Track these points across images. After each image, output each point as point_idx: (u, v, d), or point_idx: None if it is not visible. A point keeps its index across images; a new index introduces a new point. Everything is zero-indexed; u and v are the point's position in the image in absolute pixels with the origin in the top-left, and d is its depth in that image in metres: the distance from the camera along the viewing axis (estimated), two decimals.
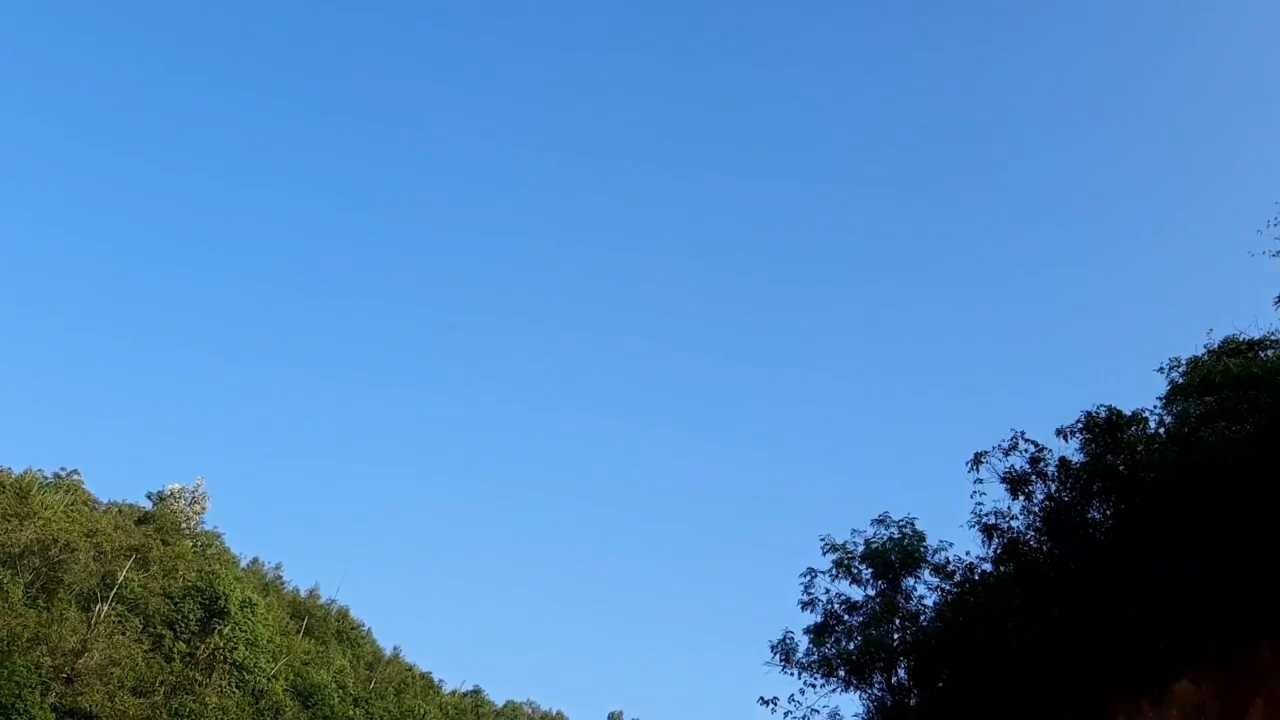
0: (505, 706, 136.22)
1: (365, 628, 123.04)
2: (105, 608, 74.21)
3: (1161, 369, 36.45)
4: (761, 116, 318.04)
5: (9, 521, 73.61)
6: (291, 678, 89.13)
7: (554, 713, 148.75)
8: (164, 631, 79.86)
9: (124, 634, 74.83)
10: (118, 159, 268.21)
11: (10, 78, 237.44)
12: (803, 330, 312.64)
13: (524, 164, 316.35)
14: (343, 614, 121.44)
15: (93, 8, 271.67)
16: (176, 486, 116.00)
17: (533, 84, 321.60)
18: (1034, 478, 35.11)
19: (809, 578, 40.04)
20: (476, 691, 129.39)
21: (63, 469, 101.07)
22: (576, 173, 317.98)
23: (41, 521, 76.12)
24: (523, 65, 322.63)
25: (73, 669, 68.38)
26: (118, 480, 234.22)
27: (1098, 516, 33.71)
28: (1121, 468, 32.56)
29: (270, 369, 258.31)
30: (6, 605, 66.44)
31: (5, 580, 68.22)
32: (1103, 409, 34.19)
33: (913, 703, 37.06)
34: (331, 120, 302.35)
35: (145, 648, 76.63)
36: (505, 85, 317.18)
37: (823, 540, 40.17)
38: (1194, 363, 35.25)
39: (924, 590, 38.80)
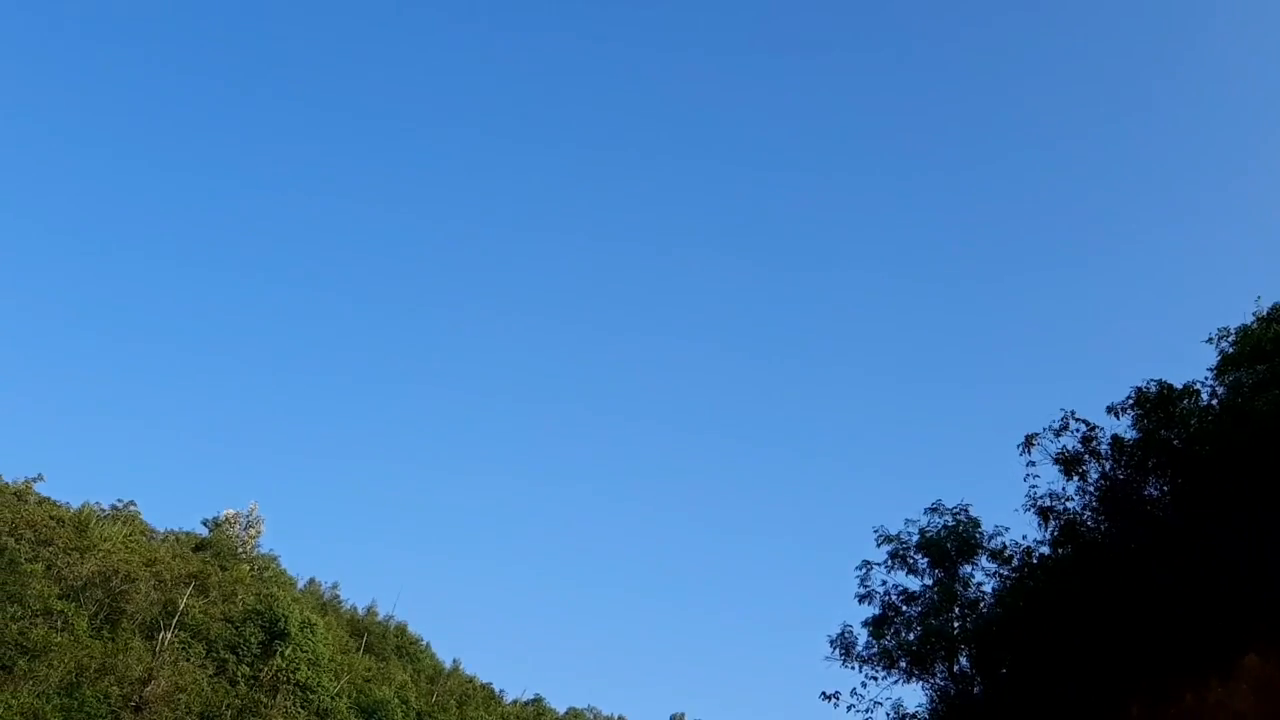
0: (567, 714, 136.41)
1: (424, 642, 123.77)
2: (168, 635, 75.17)
3: (1210, 339, 35.78)
4: (796, 110, 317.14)
5: (70, 555, 74.83)
6: (354, 695, 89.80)
7: (615, 717, 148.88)
8: (227, 656, 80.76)
9: (188, 660, 75.78)
10: (163, 174, 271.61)
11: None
12: (845, 326, 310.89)
13: (553, 165, 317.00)
14: (401, 629, 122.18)
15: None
16: (231, 512, 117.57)
17: (545, 78, 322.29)
18: (1087, 457, 34.65)
19: (865, 570, 39.71)
20: (538, 700, 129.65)
21: (119, 500, 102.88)
22: (612, 172, 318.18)
23: (102, 553, 77.36)
24: (525, 61, 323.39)
25: (140, 697, 69.32)
26: (173, 509, 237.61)
27: (1155, 493, 33.24)
28: (1176, 442, 32.08)
29: (313, 387, 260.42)
30: (73, 638, 67.49)
31: (70, 613, 69.31)
32: (1153, 384, 33.70)
33: (976, 691, 36.70)
34: (360, 124, 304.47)
35: (210, 673, 77.55)
36: (517, 80, 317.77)
37: (876, 531, 39.84)
38: (1243, 331, 34.59)
39: (982, 577, 38.38)
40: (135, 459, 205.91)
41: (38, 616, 66.28)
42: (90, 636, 70.00)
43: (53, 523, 79.05)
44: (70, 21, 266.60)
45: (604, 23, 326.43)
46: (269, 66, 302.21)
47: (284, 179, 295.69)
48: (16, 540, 71.58)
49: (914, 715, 38.08)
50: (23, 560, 69.33)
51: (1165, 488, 32.77)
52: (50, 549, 74.25)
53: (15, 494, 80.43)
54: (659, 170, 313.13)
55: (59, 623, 67.72)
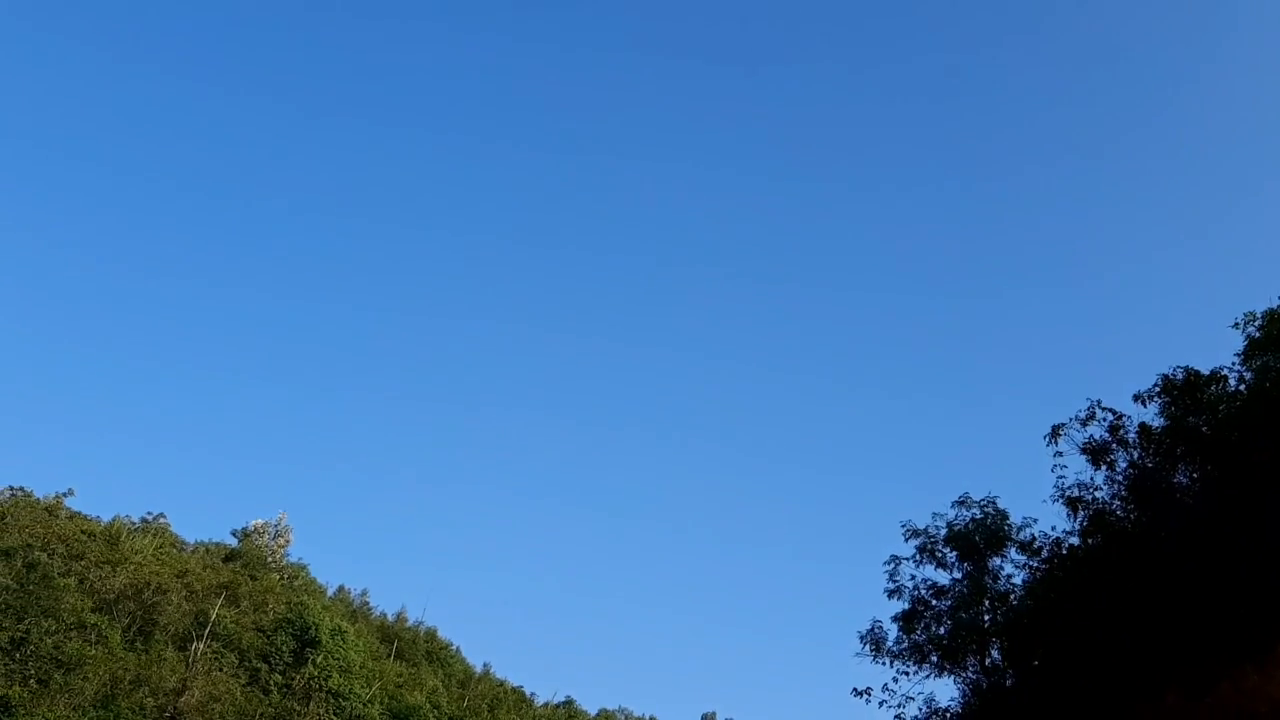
0: (598, 715, 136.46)
1: (454, 647, 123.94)
2: (201, 645, 75.65)
3: (1237, 324, 35.40)
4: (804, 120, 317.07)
5: (102, 568, 75.40)
6: (386, 701, 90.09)
7: (647, 717, 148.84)
8: (259, 665, 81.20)
9: (221, 670, 76.24)
10: (186, 188, 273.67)
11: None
12: (865, 323, 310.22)
13: (559, 172, 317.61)
14: (431, 634, 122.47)
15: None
16: (259, 522, 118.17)
17: (545, 80, 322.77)
18: (1115, 446, 34.50)
19: (893, 565, 39.65)
20: (569, 702, 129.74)
21: (149, 513, 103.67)
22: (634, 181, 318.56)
23: (133, 566, 77.93)
24: (527, 65, 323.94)
25: (175, 708, 69.79)
26: (202, 520, 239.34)
27: (1184, 481, 33.03)
28: (1204, 429, 31.88)
29: (337, 397, 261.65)
30: (107, 650, 67.99)
31: (104, 625, 69.82)
32: (1180, 370, 33.52)
33: (1009, 683, 36.56)
34: (366, 131, 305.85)
35: (243, 682, 77.99)
36: (517, 85, 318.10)
37: (904, 526, 39.78)
38: (1270, 315, 34.25)
39: (1011, 569, 38.27)
40: (163, 472, 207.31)
41: (72, 630, 66.79)
42: (124, 649, 70.50)
43: (84, 537, 79.68)
44: (59, 22, 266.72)
45: (608, 30, 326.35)
46: (270, 69, 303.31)
47: (305, 191, 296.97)
48: (49, 555, 72.17)
49: (946, 709, 37.99)
50: (55, 575, 69.87)
51: (1194, 475, 32.56)
52: (82, 563, 74.85)
53: (46, 509, 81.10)
54: (667, 179, 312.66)
55: (93, 636, 68.24)
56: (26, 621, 64.21)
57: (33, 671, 62.76)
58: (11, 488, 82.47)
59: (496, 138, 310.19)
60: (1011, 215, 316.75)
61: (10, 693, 60.33)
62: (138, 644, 72.92)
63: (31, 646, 63.19)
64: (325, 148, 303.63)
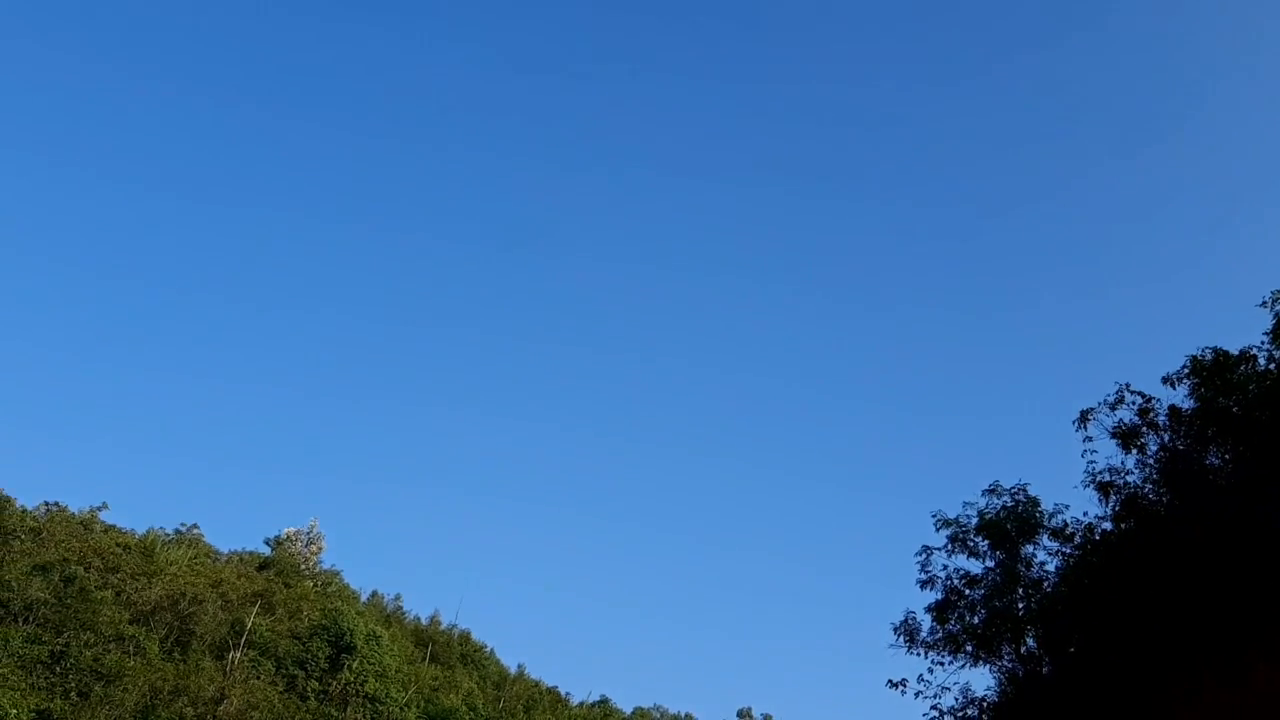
0: (633, 713, 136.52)
1: (488, 649, 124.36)
2: (238, 654, 76.23)
3: (1264, 303, 34.96)
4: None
5: (138, 580, 76.12)
6: (422, 704, 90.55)
7: (682, 715, 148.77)
8: (296, 671, 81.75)
9: (258, 678, 76.80)
10: (212, 202, 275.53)
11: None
12: (888, 311, 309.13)
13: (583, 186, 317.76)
14: (465, 637, 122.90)
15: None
16: (292, 530, 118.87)
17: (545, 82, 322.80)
18: (1145, 429, 34.22)
19: (925, 556, 39.48)
20: (604, 701, 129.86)
21: (183, 524, 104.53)
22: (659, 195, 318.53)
23: (169, 577, 78.65)
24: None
25: (214, 717, 70.38)
26: (236, 529, 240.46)
27: (1216, 462, 32.71)
28: (1235, 409, 31.57)
29: (359, 404, 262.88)
30: (145, 661, 68.63)
31: (141, 637, 70.49)
32: (1208, 351, 33.19)
33: (1045, 671, 36.34)
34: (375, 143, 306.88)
35: (280, 689, 78.53)
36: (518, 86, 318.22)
37: (935, 516, 39.59)
38: None
39: (1044, 556, 38.02)
40: (196, 483, 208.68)
41: (110, 642, 67.48)
42: (162, 659, 71.14)
43: (119, 549, 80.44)
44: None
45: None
46: (270, 73, 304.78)
47: (327, 198, 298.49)
48: (85, 569, 72.91)
49: (983, 699, 37.83)
50: (93, 588, 70.62)
51: (1226, 456, 32.25)
52: (118, 575, 75.56)
53: (82, 523, 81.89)
54: (683, 188, 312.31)
55: (131, 647, 68.91)
56: (66, 635, 64.94)
57: (73, 684, 63.46)
58: (47, 503, 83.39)
59: (516, 152, 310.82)
60: (1034, 202, 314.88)
61: (52, 705, 61.03)
62: (175, 654, 73.58)
63: (71, 659, 63.90)
64: (342, 157, 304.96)
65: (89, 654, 64.72)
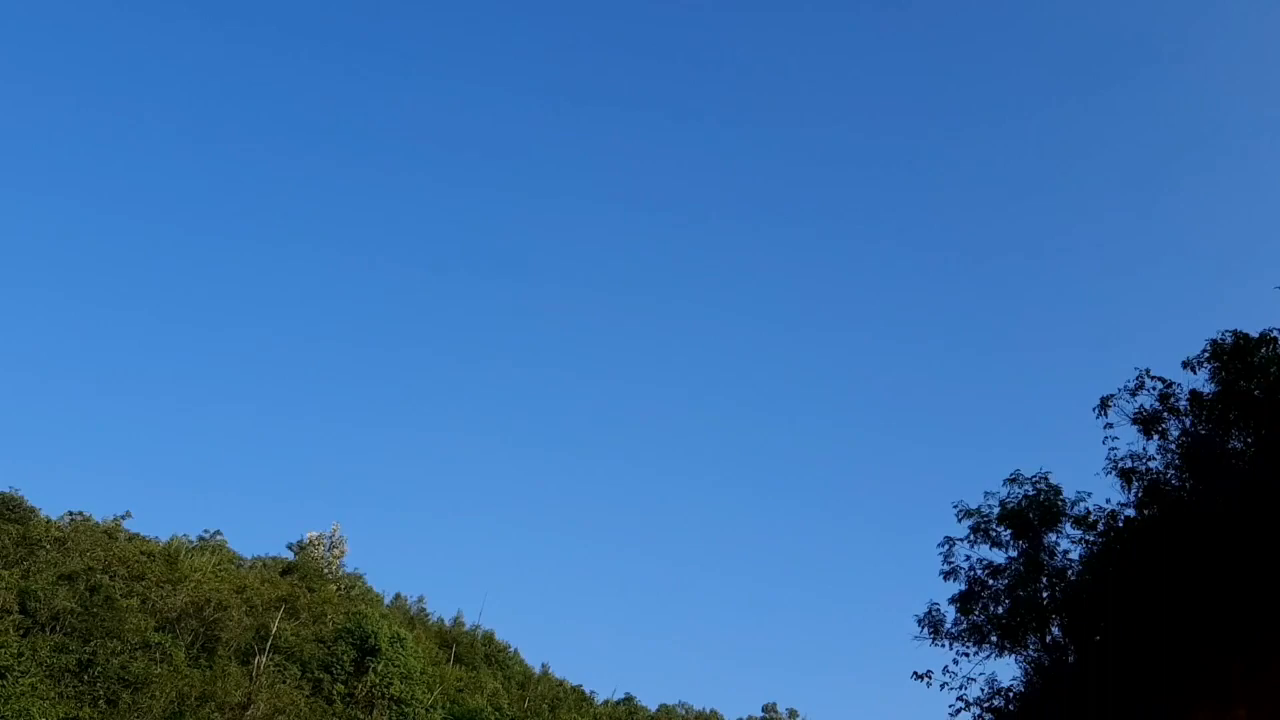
0: (659, 711, 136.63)
1: (512, 649, 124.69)
2: (263, 659, 76.64)
3: None
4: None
5: (163, 588, 76.62)
6: (448, 705, 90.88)
7: (708, 711, 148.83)
8: (321, 675, 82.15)
9: (284, 682, 77.20)
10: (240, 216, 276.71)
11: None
12: (907, 296, 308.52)
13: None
14: (489, 638, 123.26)
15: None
16: (314, 534, 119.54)
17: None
18: (1166, 415, 34.08)
19: (947, 547, 39.39)
20: (629, 699, 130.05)
21: (206, 531, 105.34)
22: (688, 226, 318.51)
23: (193, 584, 79.14)
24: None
25: None
26: (258, 535, 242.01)
27: (1239, 446, 32.54)
28: (1257, 392, 31.41)
29: (374, 406, 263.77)
30: (172, 668, 69.06)
31: (168, 644, 70.92)
32: (1228, 334, 33.03)
33: (1071, 660, 36.22)
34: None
35: (306, 693, 78.93)
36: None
37: (956, 506, 39.50)
38: None
39: (1067, 544, 37.88)
40: (217, 490, 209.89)
41: (137, 650, 67.91)
42: (189, 666, 71.57)
43: (144, 557, 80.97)
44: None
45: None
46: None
47: (333, 220, 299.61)
48: (110, 577, 73.42)
49: (1009, 689, 37.75)
50: (118, 596, 71.09)
51: (1249, 440, 32.07)
52: (143, 583, 76.04)
53: (106, 532, 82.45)
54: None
55: (157, 654, 69.33)
56: (93, 643, 65.41)
57: (101, 692, 63.91)
58: (71, 513, 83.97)
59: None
60: (1051, 188, 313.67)
61: (80, 713, 61.52)
62: (201, 660, 74.02)
63: (99, 667, 64.36)
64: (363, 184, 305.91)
65: (116, 662, 65.16)
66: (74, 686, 63.15)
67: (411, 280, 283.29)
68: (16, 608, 65.77)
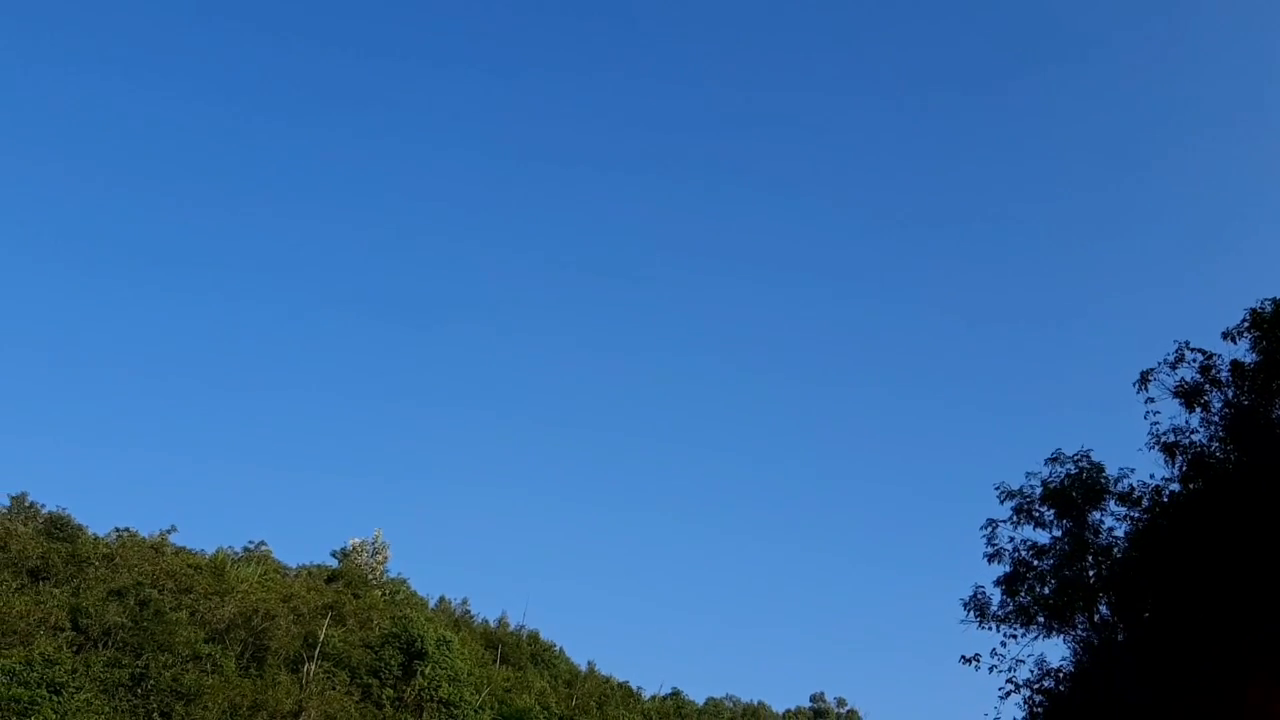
0: (706, 704, 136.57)
1: (558, 648, 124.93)
2: (312, 666, 77.19)
3: None
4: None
5: (211, 599, 77.31)
6: (496, 706, 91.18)
7: (755, 703, 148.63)
8: (370, 680, 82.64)
9: (334, 689, 77.73)
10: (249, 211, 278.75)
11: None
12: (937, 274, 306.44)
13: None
14: (534, 637, 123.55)
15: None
16: (357, 541, 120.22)
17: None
18: (1208, 387, 33.65)
19: (990, 529, 39.14)
20: (676, 694, 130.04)
21: (251, 542, 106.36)
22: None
23: (240, 594, 79.79)
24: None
25: None
26: (302, 544, 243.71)
27: None
28: None
29: (414, 410, 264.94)
30: (223, 679, 69.71)
31: (218, 655, 71.59)
32: (1268, 303, 32.56)
33: (1120, 638, 35.85)
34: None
35: (356, 699, 79.45)
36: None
37: (998, 488, 39.22)
38: None
39: (1112, 522, 37.55)
40: (260, 501, 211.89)
41: (188, 662, 68.57)
42: (239, 676, 72.20)
43: (190, 570, 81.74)
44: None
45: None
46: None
47: (358, 203, 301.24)
48: (159, 591, 74.15)
49: (1058, 669, 37.45)
50: (167, 609, 71.80)
51: None
52: (191, 596, 76.75)
53: (153, 547, 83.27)
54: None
55: (208, 665, 69.99)
56: (145, 657, 66.13)
57: (155, 705, 64.60)
58: (118, 529, 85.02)
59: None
60: (1079, 171, 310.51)
61: None
62: (252, 670, 74.64)
63: (151, 681, 65.04)
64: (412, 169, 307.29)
65: (168, 674, 65.83)
66: (128, 700, 63.85)
67: (461, 283, 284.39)
68: (69, 625, 66.59)
